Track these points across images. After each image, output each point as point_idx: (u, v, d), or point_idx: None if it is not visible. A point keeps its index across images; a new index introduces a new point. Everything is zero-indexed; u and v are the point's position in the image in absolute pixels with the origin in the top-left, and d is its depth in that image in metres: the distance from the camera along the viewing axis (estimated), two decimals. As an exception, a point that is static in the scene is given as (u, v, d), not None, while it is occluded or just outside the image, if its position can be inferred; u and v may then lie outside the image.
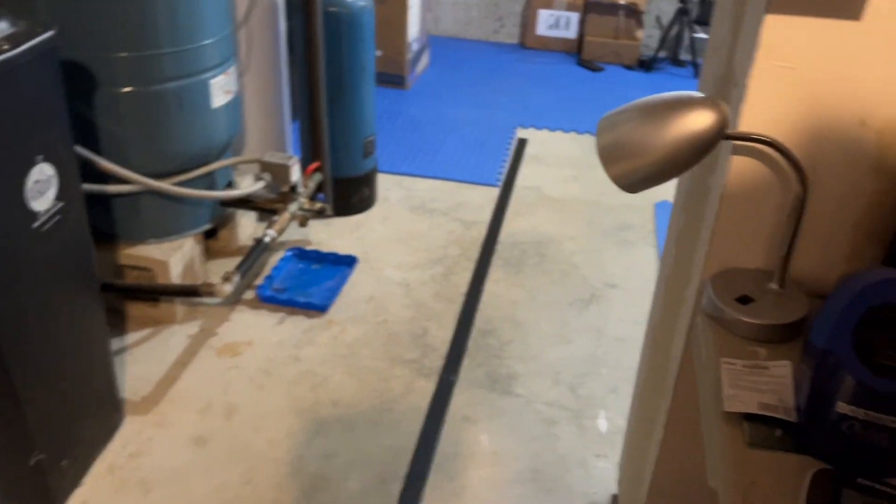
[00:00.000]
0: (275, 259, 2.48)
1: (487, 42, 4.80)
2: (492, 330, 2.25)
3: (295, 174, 2.23)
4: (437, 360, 2.11)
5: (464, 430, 1.89)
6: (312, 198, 2.41)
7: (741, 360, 0.88)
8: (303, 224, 2.37)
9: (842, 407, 0.73)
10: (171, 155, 2.10)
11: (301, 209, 2.31)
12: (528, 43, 4.70)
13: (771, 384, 0.84)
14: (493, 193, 3.02)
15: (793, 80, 0.89)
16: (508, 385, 2.04)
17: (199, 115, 2.10)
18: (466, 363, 2.11)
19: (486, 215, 2.85)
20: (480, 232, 2.74)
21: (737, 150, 0.95)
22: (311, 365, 2.08)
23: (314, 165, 2.45)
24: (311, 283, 2.38)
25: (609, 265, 2.61)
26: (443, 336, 2.20)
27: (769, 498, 0.72)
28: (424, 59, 4.29)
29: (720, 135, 0.84)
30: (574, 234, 2.78)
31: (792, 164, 0.90)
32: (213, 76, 2.10)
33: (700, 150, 0.84)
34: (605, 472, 1.79)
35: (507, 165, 3.26)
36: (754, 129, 0.92)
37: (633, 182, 0.89)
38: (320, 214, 2.38)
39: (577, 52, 4.62)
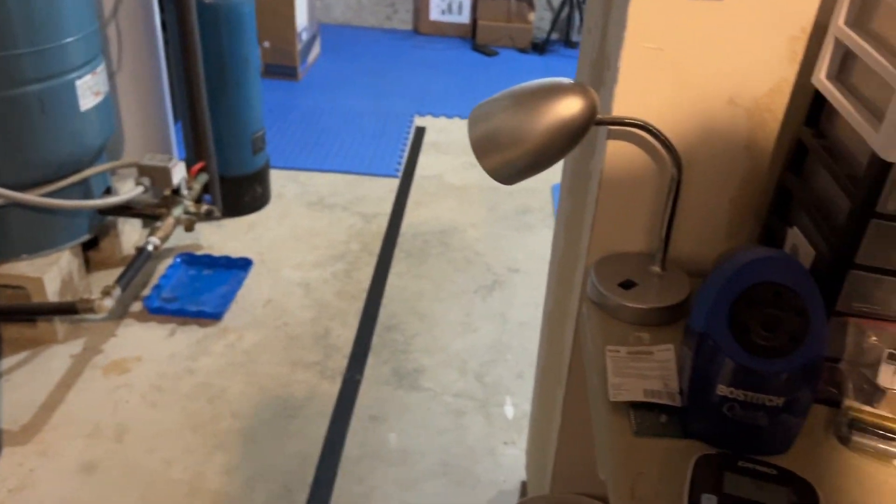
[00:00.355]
0: (163, 267, 2.35)
1: (380, 29, 4.73)
2: (397, 324, 2.21)
3: (177, 176, 2.11)
4: (341, 361, 2.05)
5: (371, 429, 1.85)
6: (199, 200, 2.29)
7: (626, 346, 0.87)
8: (189, 228, 2.25)
9: (722, 389, 0.73)
10: (37, 164, 1.94)
11: (186, 213, 2.19)
12: (422, 29, 4.66)
13: (656, 369, 0.84)
14: (394, 184, 2.97)
15: (662, 62, 0.88)
16: (415, 379, 2.01)
17: (66, 120, 1.95)
18: (371, 361, 2.06)
19: (387, 207, 2.80)
20: (381, 225, 2.69)
21: (612, 135, 0.94)
22: (207, 377, 1.98)
23: (199, 165, 2.33)
24: (204, 290, 2.27)
25: (511, 250, 2.62)
26: (346, 335, 2.15)
27: (657, 488, 0.71)
28: (316, 49, 4.18)
29: (591, 121, 0.82)
30: (476, 221, 2.77)
31: (665, 147, 0.89)
32: (79, 76, 1.96)
33: (572, 137, 0.82)
34: (514, 459, 1.78)
35: (406, 155, 3.21)
36: (628, 112, 0.91)
37: (509, 174, 0.86)
38: (208, 217, 2.27)
39: (471, 36, 4.61)
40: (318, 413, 1.88)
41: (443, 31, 4.63)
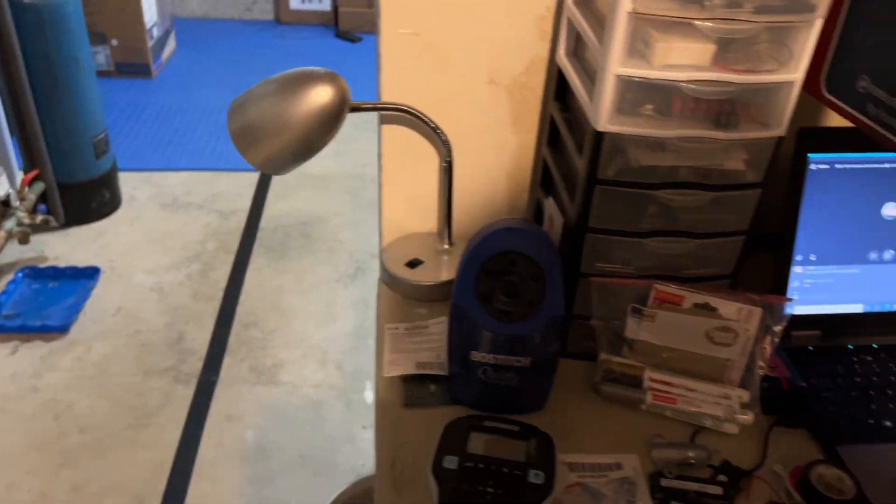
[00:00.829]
0: (3, 283, 2.23)
1: (240, 21, 4.60)
2: (255, 322, 2.19)
3: (2, 188, 2.00)
4: (196, 364, 2.01)
5: (227, 430, 1.83)
6: (35, 210, 2.18)
7: (405, 323, 0.91)
8: (24, 241, 2.14)
9: (475, 355, 0.77)
10: None
11: (20, 224, 2.08)
12: (284, 18, 4.57)
13: (430, 342, 0.88)
14: (253, 178, 2.92)
15: (419, 46, 0.91)
16: (274, 375, 2.00)
17: None
18: (228, 361, 2.03)
19: (246, 203, 2.76)
20: (240, 221, 2.65)
21: (384, 120, 0.96)
22: (53, 393, 1.90)
23: (30, 174, 2.22)
24: (49, 304, 2.16)
25: (373, 236, 2.63)
26: (202, 337, 2.11)
27: (416, 456, 0.74)
28: (171, 45, 4.03)
29: (344, 107, 0.84)
30: (339, 210, 2.77)
31: (431, 128, 0.93)
32: None
33: (329, 123, 0.84)
34: (372, 443, 1.81)
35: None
36: (394, 97, 0.94)
37: (278, 164, 0.87)
38: (46, 227, 2.17)
39: (333, 24, 4.56)
40: (172, 419, 1.85)
41: (305, 20, 4.56)
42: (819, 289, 0.87)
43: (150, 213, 2.65)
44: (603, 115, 0.73)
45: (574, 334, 0.87)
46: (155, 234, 2.54)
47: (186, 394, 1.92)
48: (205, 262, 2.41)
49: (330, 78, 0.83)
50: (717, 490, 0.72)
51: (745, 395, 0.80)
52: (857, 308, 0.88)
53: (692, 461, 0.75)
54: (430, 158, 0.99)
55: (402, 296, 0.97)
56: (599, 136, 0.74)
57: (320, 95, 0.82)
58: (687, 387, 0.81)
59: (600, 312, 0.84)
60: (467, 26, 0.90)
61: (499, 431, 0.71)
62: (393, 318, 0.93)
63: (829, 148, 0.82)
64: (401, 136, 0.98)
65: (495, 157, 1.00)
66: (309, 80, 0.83)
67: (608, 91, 0.71)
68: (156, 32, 3.78)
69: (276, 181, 2.91)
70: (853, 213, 0.84)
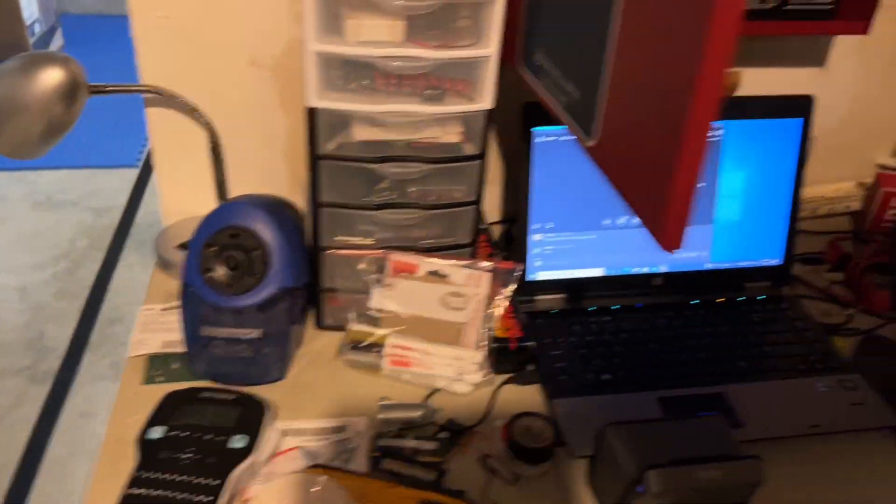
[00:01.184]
0: None
1: (135, 16, 4.50)
2: (120, 318, 2.15)
3: None
4: (54, 362, 1.98)
5: (81, 427, 1.80)
6: None
7: (162, 303, 0.92)
8: None
9: (205, 330, 0.79)
10: None
11: None
12: (180, 13, 4.48)
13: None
14: (133, 174, 2.87)
15: (172, 29, 0.92)
16: (135, 370, 1.98)
17: None
18: (88, 358, 2.00)
19: (123, 199, 2.71)
20: (114, 218, 2.60)
21: (147, 103, 0.97)
22: None
23: None
24: None
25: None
26: (63, 335, 2.07)
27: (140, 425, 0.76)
28: (58, 41, 3.92)
29: (78, 88, 0.85)
30: (221, 204, 2.74)
31: (189, 109, 0.94)
32: None
33: (67, 104, 0.85)
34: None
35: (150, 143, 3.10)
36: (152, 79, 0.94)
37: (25, 148, 0.87)
38: None
39: (232, 18, 4.50)
40: (22, 419, 1.81)
41: (202, 14, 4.48)
42: (560, 255, 0.92)
43: (21, 213, 2.58)
44: (311, 91, 0.75)
45: (329, 307, 0.89)
46: (24, 234, 2.47)
47: (41, 393, 1.88)
48: (73, 261, 2.37)
49: (62, 60, 0.84)
50: (433, 445, 0.76)
51: (477, 356, 0.84)
52: (598, 272, 0.93)
53: (417, 420, 0.79)
54: (197, 139, 1.00)
55: (173, 277, 0.98)
56: (312, 112, 0.77)
57: (51, 77, 0.83)
58: (424, 351, 0.84)
59: (346, 284, 0.87)
60: (219, 7, 0.91)
61: (214, 401, 0.73)
62: (160, 299, 0.94)
63: (553, 121, 0.86)
64: (170, 120, 0.99)
65: (268, 138, 1.01)
66: (39, 62, 0.83)
67: (311, 67, 0.74)
68: (37, 29, 3.67)
69: (157, 177, 2.86)
70: (583, 182, 0.89)
